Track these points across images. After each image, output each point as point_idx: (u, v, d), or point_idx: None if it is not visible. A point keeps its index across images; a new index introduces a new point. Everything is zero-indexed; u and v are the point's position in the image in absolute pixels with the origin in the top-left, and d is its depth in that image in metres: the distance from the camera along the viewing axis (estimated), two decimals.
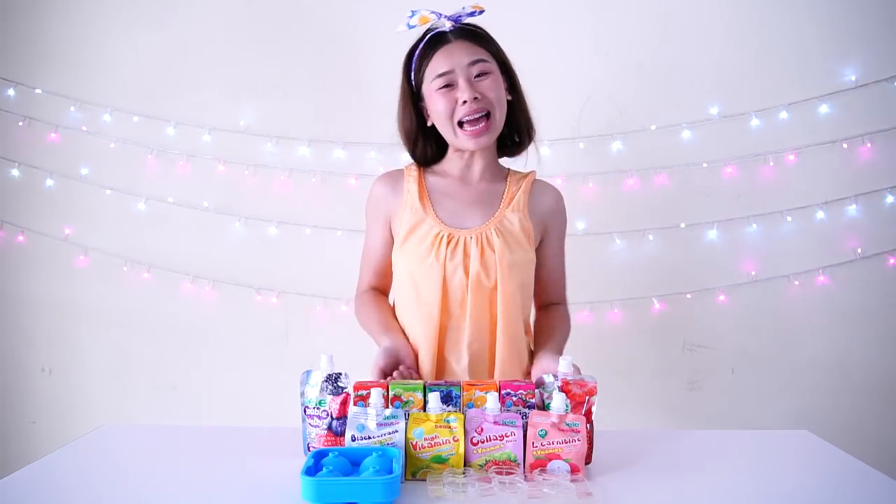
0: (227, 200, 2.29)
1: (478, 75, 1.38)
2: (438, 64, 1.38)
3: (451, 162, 1.50)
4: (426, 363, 1.40)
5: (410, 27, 1.43)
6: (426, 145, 1.49)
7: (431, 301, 1.41)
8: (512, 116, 1.46)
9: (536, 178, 1.53)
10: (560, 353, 1.40)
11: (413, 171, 1.51)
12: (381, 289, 1.57)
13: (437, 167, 1.52)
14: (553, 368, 1.27)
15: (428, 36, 1.42)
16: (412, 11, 1.43)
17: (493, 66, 1.40)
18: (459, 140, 1.41)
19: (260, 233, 2.30)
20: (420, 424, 1.08)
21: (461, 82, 1.37)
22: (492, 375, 1.42)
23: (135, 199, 2.30)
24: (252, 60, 2.28)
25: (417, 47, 1.43)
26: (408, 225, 1.45)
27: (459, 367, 1.41)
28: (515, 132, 1.49)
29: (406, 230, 1.45)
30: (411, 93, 1.45)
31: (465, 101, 1.36)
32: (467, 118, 1.38)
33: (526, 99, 1.49)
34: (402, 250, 1.46)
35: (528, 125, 1.49)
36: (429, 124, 1.45)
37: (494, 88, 1.39)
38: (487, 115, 1.39)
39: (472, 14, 1.43)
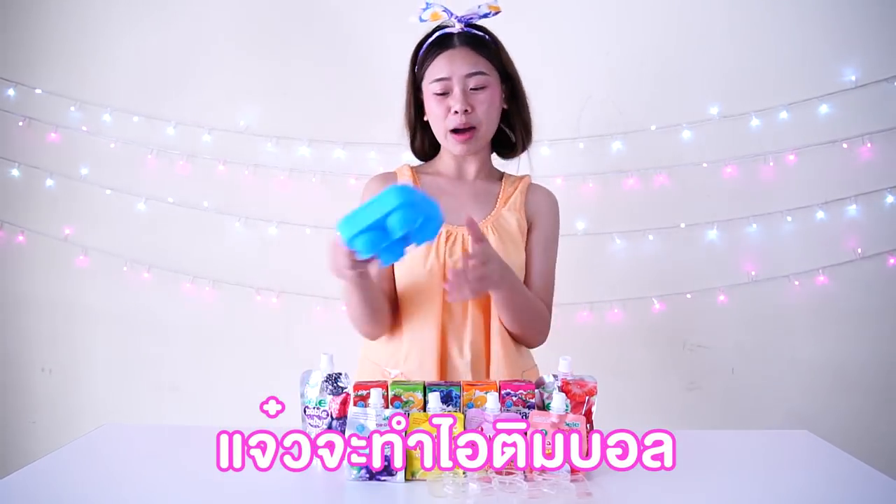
0: (227, 200, 2.29)
1: (474, 87, 1.39)
2: (438, 68, 1.39)
3: (444, 161, 1.50)
4: (431, 359, 1.40)
5: (422, 20, 1.43)
6: (423, 138, 1.51)
7: (433, 298, 1.41)
8: (508, 121, 1.48)
9: (532, 181, 1.53)
10: (513, 283, 1.35)
11: (406, 171, 1.51)
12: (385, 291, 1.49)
13: (429, 167, 1.53)
14: (492, 252, 1.27)
15: (435, 34, 1.42)
16: (427, 4, 1.42)
17: (491, 78, 1.40)
18: (448, 143, 1.44)
19: (260, 233, 2.30)
20: (420, 425, 1.08)
21: (456, 91, 1.38)
22: (488, 374, 1.41)
23: (135, 199, 2.30)
24: (252, 60, 2.28)
25: (426, 42, 1.44)
26: None
27: (463, 364, 1.41)
28: (511, 134, 1.50)
29: None
30: (415, 84, 1.46)
31: (455, 112, 1.38)
32: (456, 127, 1.40)
33: (529, 105, 1.48)
34: None
35: (526, 131, 1.49)
36: (425, 118, 1.46)
37: (487, 102, 1.39)
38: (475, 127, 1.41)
39: (486, 15, 1.42)
